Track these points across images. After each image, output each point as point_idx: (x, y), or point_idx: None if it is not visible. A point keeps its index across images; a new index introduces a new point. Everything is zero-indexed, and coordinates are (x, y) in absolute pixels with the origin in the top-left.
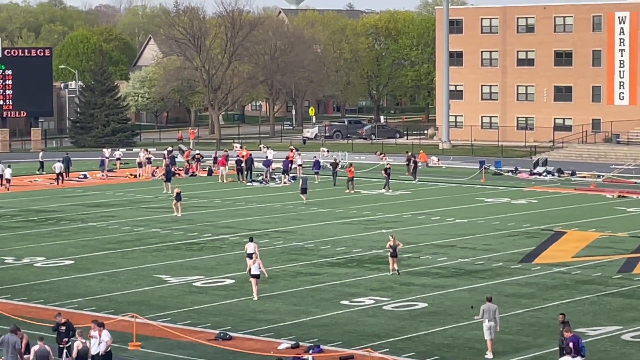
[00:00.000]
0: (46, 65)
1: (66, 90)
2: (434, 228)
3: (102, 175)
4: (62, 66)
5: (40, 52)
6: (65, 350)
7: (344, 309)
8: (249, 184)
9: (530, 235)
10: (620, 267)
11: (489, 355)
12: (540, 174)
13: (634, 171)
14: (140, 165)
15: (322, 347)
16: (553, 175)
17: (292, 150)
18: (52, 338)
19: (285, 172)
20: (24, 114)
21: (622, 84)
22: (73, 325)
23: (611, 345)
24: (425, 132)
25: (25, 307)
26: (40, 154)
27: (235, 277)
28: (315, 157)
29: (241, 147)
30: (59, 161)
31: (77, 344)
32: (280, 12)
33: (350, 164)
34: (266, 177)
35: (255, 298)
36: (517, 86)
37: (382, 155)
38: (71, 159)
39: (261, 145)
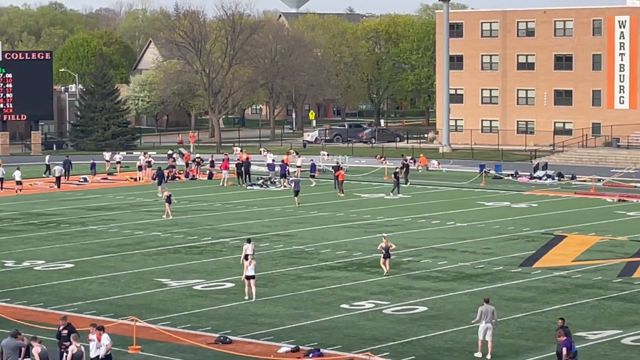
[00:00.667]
0: (46, 69)
1: (66, 93)
2: (434, 232)
3: (92, 179)
4: (63, 69)
5: (40, 55)
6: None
7: (344, 312)
8: (249, 187)
9: (531, 239)
10: (620, 271)
11: (479, 354)
12: (540, 178)
13: (634, 175)
14: (140, 168)
15: (322, 350)
16: (553, 179)
17: (288, 153)
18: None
19: (283, 175)
20: (24, 117)
21: (622, 88)
22: (75, 329)
23: (611, 349)
24: (426, 135)
25: (25, 310)
26: (47, 157)
27: (236, 280)
28: (312, 160)
29: (241, 151)
30: (58, 164)
31: (72, 348)
32: (280, 15)
33: (341, 167)
34: (271, 180)
35: (253, 299)
36: (518, 90)
37: (383, 158)
38: (72, 162)
39: (261, 149)
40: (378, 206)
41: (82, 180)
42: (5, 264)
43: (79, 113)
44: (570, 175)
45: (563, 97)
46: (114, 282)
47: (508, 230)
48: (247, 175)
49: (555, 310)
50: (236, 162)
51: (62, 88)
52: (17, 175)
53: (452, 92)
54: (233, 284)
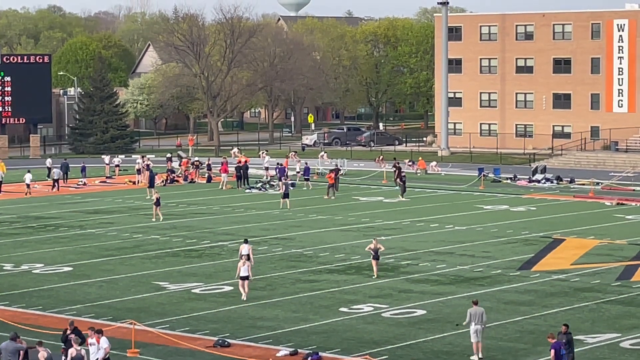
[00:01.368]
0: (45, 72)
1: (65, 96)
2: (432, 235)
3: (81, 182)
4: (61, 73)
5: (39, 58)
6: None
7: (342, 316)
8: (247, 190)
9: (529, 242)
10: (619, 274)
11: (475, 358)
12: (539, 181)
13: (632, 178)
14: (139, 172)
15: (320, 354)
16: (552, 182)
17: (287, 157)
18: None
19: (281, 178)
20: (23, 120)
21: (620, 91)
22: (82, 333)
23: (610, 352)
24: (424, 139)
25: (23, 313)
26: (48, 160)
27: (234, 284)
28: (305, 163)
29: (240, 154)
30: (56, 167)
31: (71, 351)
32: (279, 19)
33: (331, 170)
34: (269, 183)
35: (244, 298)
36: (516, 93)
37: (382, 157)
38: (70, 165)
39: (261, 152)
40: (376, 209)
41: (80, 183)
42: (4, 267)
43: (77, 116)
44: (569, 179)
45: (562, 101)
46: (113, 285)
47: (507, 233)
48: (246, 179)
49: (554, 314)
50: (235, 166)
51: (61, 91)
52: (28, 178)
53: (451, 95)
54: (232, 287)
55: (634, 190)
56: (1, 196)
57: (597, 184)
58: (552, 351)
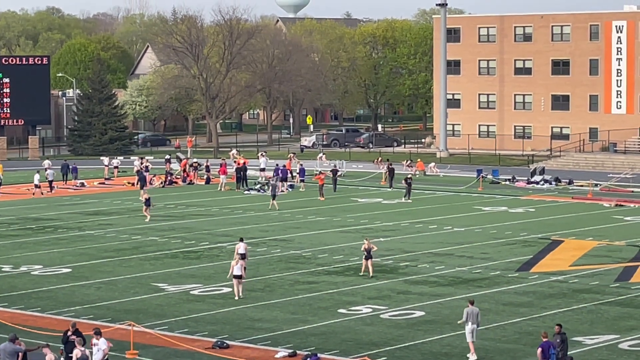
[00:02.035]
0: (44, 74)
1: (64, 98)
2: (431, 236)
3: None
4: (60, 74)
5: (38, 60)
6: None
7: (341, 317)
8: (246, 192)
9: (528, 243)
10: (617, 275)
11: (471, 357)
12: (537, 183)
13: (631, 180)
14: (138, 173)
15: (319, 355)
16: (550, 183)
17: (290, 159)
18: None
19: (283, 179)
20: (21, 122)
21: (619, 92)
22: (83, 335)
23: (608, 354)
24: (423, 140)
25: (22, 315)
26: (46, 162)
27: (233, 285)
28: (301, 164)
29: (239, 155)
30: (50, 169)
31: (76, 352)
32: (278, 20)
33: (320, 172)
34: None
35: (237, 297)
36: (515, 95)
37: (380, 159)
38: (70, 166)
39: (260, 153)
40: (375, 211)
41: (79, 185)
42: (3, 269)
43: (76, 118)
44: (568, 180)
45: (560, 102)
46: (112, 286)
47: (505, 235)
48: (244, 180)
49: (553, 315)
50: (235, 167)
51: (60, 93)
52: (36, 178)
53: (450, 97)
54: (230, 289)
55: (632, 191)
56: (0, 198)
57: (596, 185)
58: (539, 350)
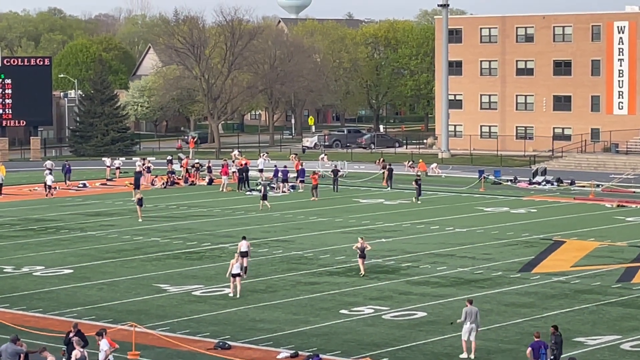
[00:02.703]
0: (46, 74)
1: (66, 99)
2: (433, 237)
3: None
4: (62, 75)
5: (39, 61)
6: None
7: (343, 318)
8: (248, 193)
9: (530, 244)
10: (619, 276)
11: (464, 356)
12: (539, 184)
13: (632, 180)
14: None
15: (321, 356)
16: (552, 184)
17: (295, 158)
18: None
19: (284, 180)
20: (23, 123)
21: (621, 93)
22: (85, 336)
23: (610, 354)
24: (425, 141)
25: (24, 316)
26: (47, 162)
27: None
28: (300, 165)
29: (240, 156)
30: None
31: (75, 353)
32: (279, 21)
33: (315, 172)
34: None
35: (238, 296)
36: (517, 95)
37: (383, 161)
38: (71, 167)
39: (262, 154)
40: (377, 212)
41: (81, 185)
42: (5, 270)
43: (78, 119)
44: (569, 181)
45: (562, 103)
46: (113, 287)
47: (507, 235)
48: (246, 181)
49: (555, 316)
50: (237, 168)
51: (62, 94)
52: (49, 180)
53: (451, 97)
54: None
55: (634, 192)
56: (2, 199)
57: (598, 186)
58: (529, 349)
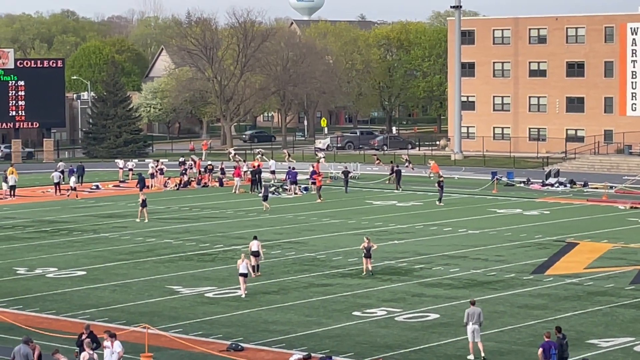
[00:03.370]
0: (59, 76)
1: (78, 101)
2: (446, 239)
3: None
4: (75, 77)
5: (52, 63)
6: None
7: (355, 320)
8: (260, 194)
9: (543, 246)
10: (632, 278)
11: (471, 357)
12: (552, 185)
13: None
14: (152, 176)
15: (334, 358)
16: (565, 186)
17: (318, 161)
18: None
19: (294, 182)
20: (36, 124)
21: (634, 95)
22: (97, 337)
23: (623, 357)
24: (437, 143)
25: (37, 317)
26: (60, 164)
27: (247, 287)
28: (311, 166)
29: (255, 158)
30: (56, 172)
31: (84, 355)
32: (292, 23)
33: (319, 173)
34: (282, 187)
35: (243, 295)
36: (529, 97)
37: (379, 161)
38: (85, 168)
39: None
40: (390, 213)
41: (94, 187)
42: (18, 271)
43: (91, 120)
44: (583, 183)
45: (575, 104)
46: (126, 289)
47: (520, 237)
48: (259, 183)
49: (568, 318)
50: (250, 170)
51: (74, 95)
52: (72, 181)
53: (464, 99)
54: (244, 295)
55: None
56: (15, 200)
57: (611, 187)
58: (540, 349)
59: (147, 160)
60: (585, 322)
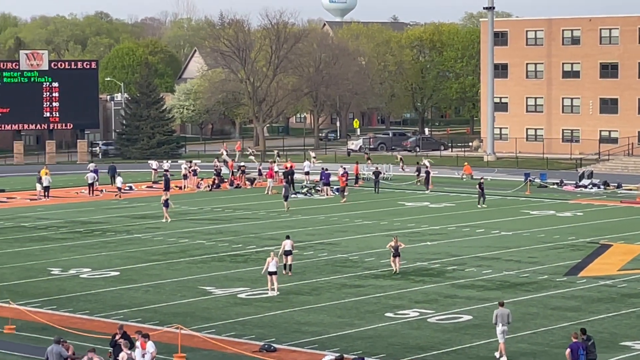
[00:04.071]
0: (92, 78)
1: (112, 102)
2: (478, 240)
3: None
4: (108, 78)
5: (86, 64)
6: None
7: (388, 321)
8: (293, 195)
9: (576, 248)
10: None
11: (497, 354)
12: (585, 187)
13: None
14: (185, 177)
15: (366, 359)
16: (599, 187)
17: (357, 162)
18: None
19: (327, 184)
20: (70, 126)
21: None
22: (131, 338)
23: None
24: (470, 144)
25: (71, 317)
26: (91, 165)
27: (280, 288)
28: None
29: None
30: (91, 172)
31: (122, 355)
32: (324, 24)
33: (342, 174)
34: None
35: (274, 293)
36: (563, 98)
37: (370, 161)
38: (117, 168)
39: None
40: (422, 215)
41: (127, 188)
42: (52, 272)
43: (124, 122)
44: (616, 184)
45: (609, 106)
46: (159, 290)
47: (553, 239)
48: (292, 184)
49: (601, 320)
50: (283, 171)
51: (108, 97)
52: (119, 181)
53: (497, 100)
54: (277, 292)
55: None
56: (49, 201)
57: None
58: (568, 350)
59: (179, 162)
60: (619, 324)
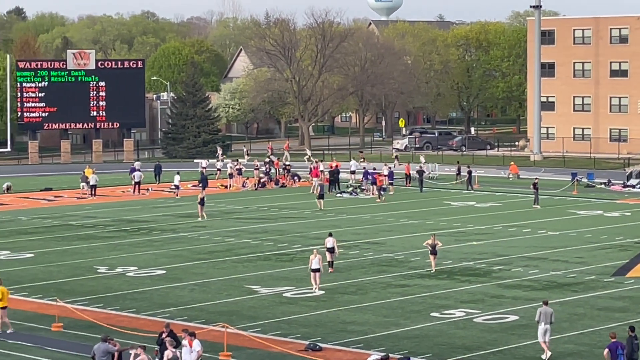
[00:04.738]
0: (139, 77)
1: (158, 101)
2: (525, 240)
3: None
4: (154, 78)
5: (132, 63)
6: None
7: (434, 321)
8: (338, 195)
9: (624, 248)
10: None
11: (544, 356)
12: (633, 187)
13: None
14: (230, 176)
15: (412, 359)
16: None
17: (408, 162)
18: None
19: (373, 183)
20: (116, 125)
21: None
22: (177, 336)
23: None
24: (517, 143)
25: (117, 315)
26: (136, 163)
27: (325, 287)
28: (389, 168)
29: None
30: (137, 170)
31: (167, 353)
32: (370, 23)
33: (379, 174)
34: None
35: (317, 292)
36: (610, 97)
37: (363, 159)
38: (162, 168)
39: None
40: (468, 214)
41: (173, 187)
42: (99, 270)
43: (170, 121)
44: None
45: None
46: (205, 288)
47: (601, 239)
48: (337, 183)
49: None
50: (328, 170)
51: (154, 96)
52: (177, 179)
53: (544, 99)
54: (323, 292)
55: None
56: (95, 200)
57: None
58: (607, 350)
59: (225, 161)
60: None
